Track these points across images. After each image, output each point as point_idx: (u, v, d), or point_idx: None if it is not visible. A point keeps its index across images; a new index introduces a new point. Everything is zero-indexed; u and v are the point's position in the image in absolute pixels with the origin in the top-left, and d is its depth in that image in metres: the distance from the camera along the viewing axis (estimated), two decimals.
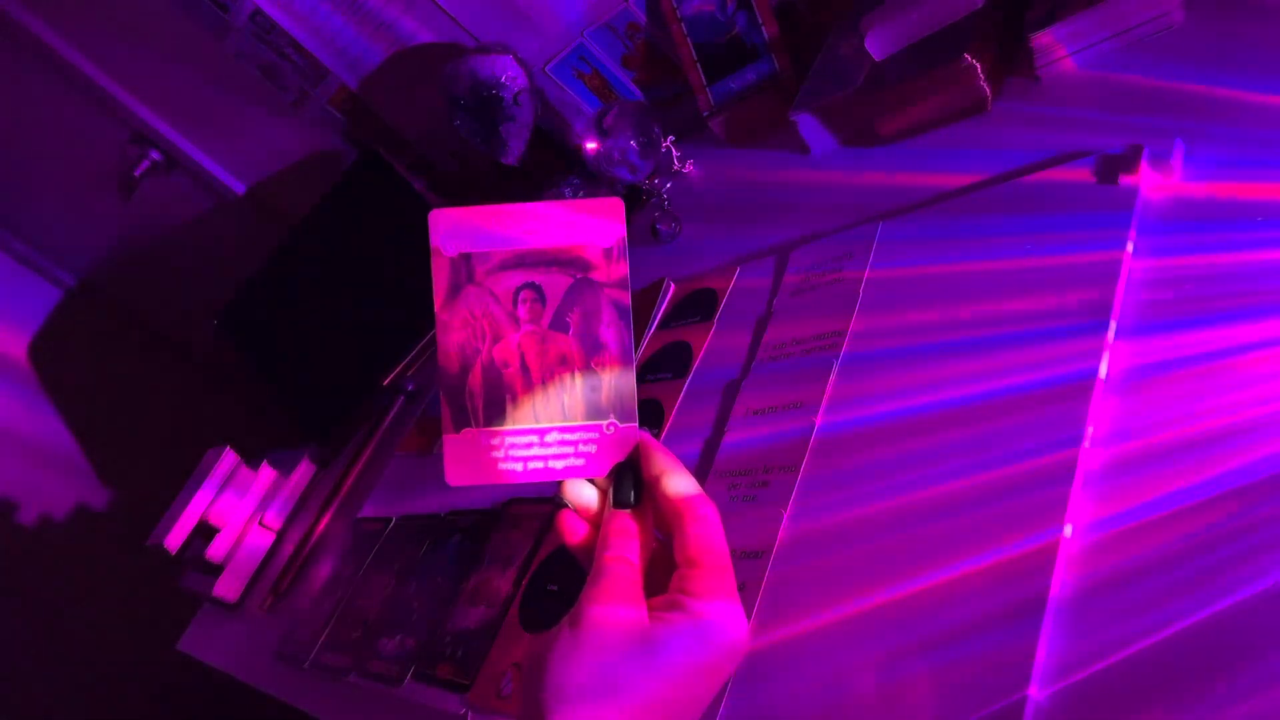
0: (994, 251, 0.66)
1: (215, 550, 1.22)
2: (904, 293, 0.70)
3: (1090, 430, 0.51)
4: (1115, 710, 0.42)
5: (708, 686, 0.45)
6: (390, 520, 1.05)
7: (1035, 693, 0.43)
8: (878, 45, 0.85)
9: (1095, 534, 0.48)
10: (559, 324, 0.48)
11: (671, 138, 1.05)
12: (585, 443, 0.48)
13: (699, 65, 1.05)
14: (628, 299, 0.48)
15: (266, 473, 1.31)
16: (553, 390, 0.48)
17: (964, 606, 0.49)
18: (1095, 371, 0.54)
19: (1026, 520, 0.50)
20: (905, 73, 0.82)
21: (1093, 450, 0.51)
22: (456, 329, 0.49)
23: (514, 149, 1.16)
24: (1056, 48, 0.75)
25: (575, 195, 1.13)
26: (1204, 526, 0.45)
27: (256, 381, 1.49)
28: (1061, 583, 0.47)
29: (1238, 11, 0.68)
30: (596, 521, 0.49)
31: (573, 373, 0.48)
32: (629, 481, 0.48)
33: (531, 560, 0.81)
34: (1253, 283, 0.53)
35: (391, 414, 1.29)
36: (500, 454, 0.48)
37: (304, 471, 1.32)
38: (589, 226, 0.48)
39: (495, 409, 0.49)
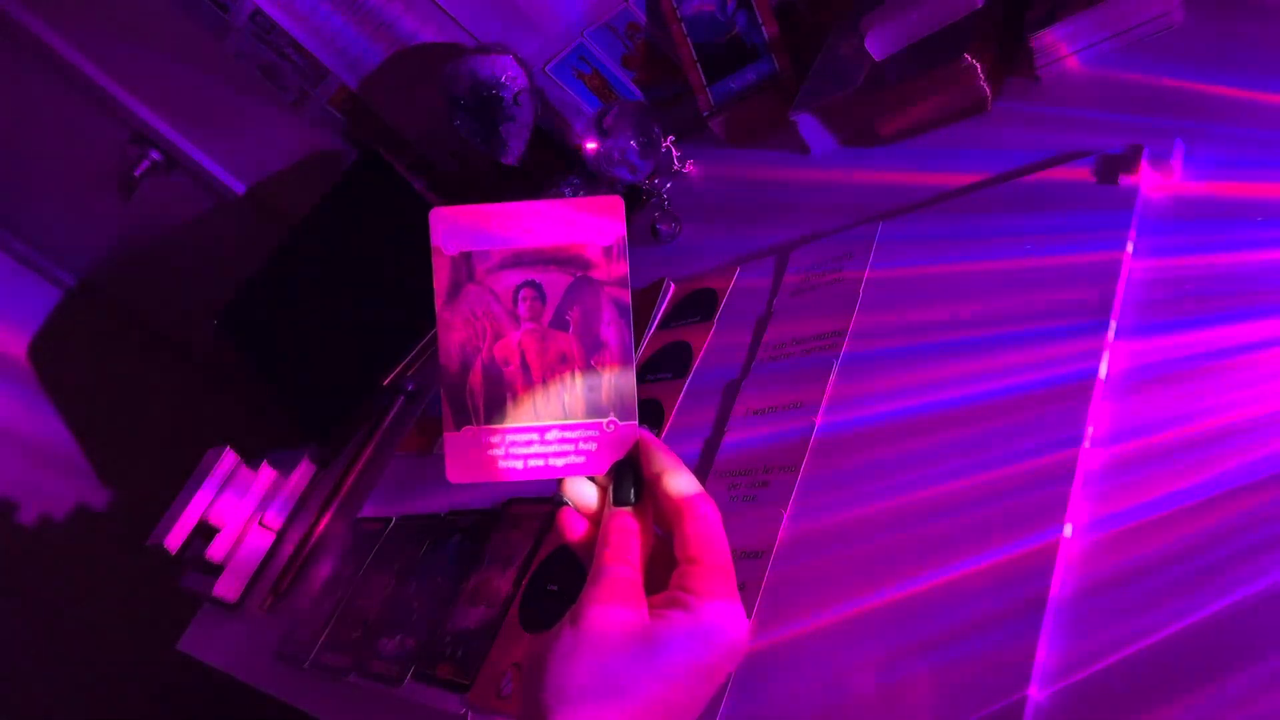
0: (994, 251, 0.66)
1: (215, 550, 1.22)
2: (904, 293, 0.70)
3: (1090, 430, 0.51)
4: (1115, 710, 0.42)
5: (708, 685, 0.45)
6: (390, 520, 1.05)
7: (1035, 693, 0.43)
8: (878, 45, 0.85)
9: (1095, 534, 0.48)
10: (559, 322, 0.48)
11: (671, 138, 1.05)
12: (585, 440, 0.48)
13: (699, 65, 1.05)
14: (628, 297, 0.48)
15: (266, 473, 1.31)
16: (553, 388, 0.48)
17: (964, 606, 0.49)
18: (1095, 371, 0.54)
19: (1026, 520, 0.50)
20: (905, 73, 0.82)
21: (1093, 450, 0.51)
22: (457, 327, 0.49)
23: (514, 149, 1.16)
24: (1056, 48, 0.75)
25: (575, 195, 1.13)
26: (1204, 526, 0.45)
27: (256, 381, 1.49)
28: (1061, 583, 0.47)
29: (1238, 11, 0.68)
30: (597, 519, 0.49)
31: (573, 371, 0.48)
32: (629, 479, 0.48)
33: (531, 560, 0.81)
34: (1253, 283, 0.53)
35: (391, 414, 1.29)
36: (500, 452, 0.49)
37: (304, 471, 1.32)
38: (589, 225, 0.48)
39: (496, 407, 0.49)
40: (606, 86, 1.19)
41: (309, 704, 0.95)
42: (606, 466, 0.49)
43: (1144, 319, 0.55)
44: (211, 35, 1.36)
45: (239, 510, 1.26)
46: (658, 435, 0.79)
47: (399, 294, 1.32)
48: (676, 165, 1.07)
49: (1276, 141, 0.59)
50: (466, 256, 0.49)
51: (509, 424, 0.48)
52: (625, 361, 0.48)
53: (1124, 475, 0.49)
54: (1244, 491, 0.45)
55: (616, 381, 0.48)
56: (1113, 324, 0.55)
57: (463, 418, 0.49)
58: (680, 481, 0.47)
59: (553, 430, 0.48)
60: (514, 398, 0.48)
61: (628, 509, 0.48)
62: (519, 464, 0.48)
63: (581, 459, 0.48)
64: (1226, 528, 0.44)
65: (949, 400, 0.59)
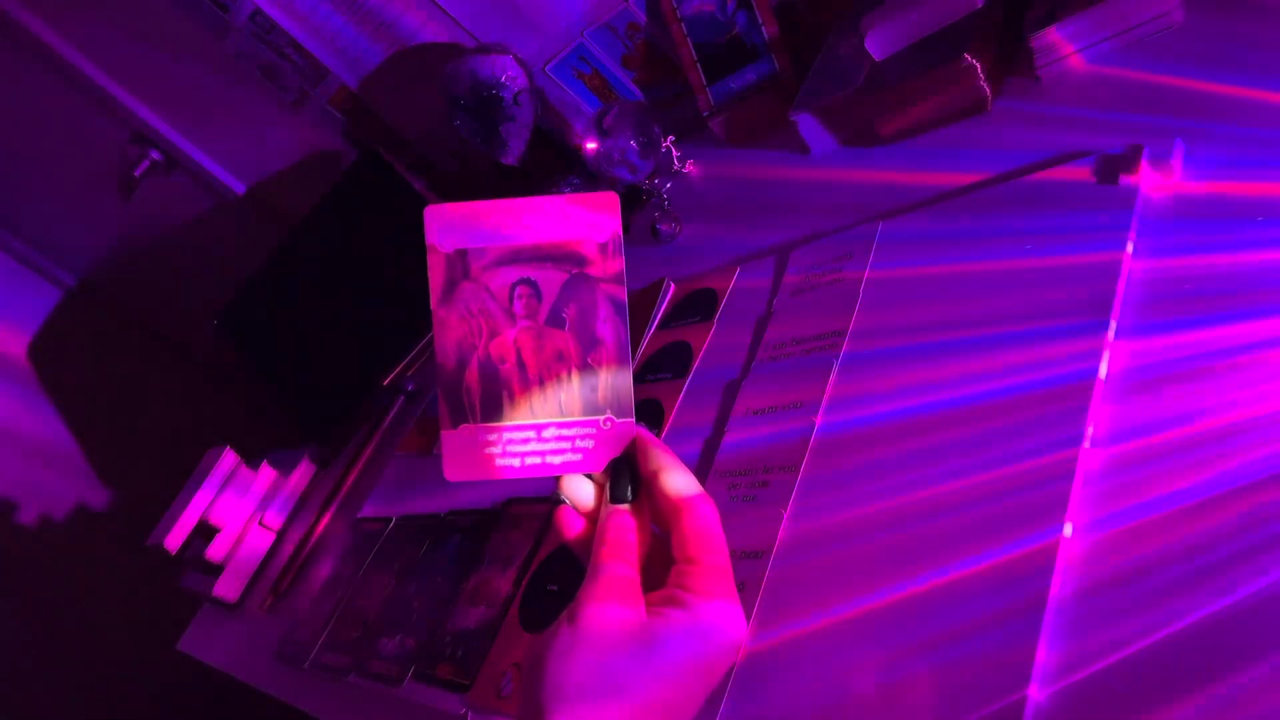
0: (994, 251, 0.66)
1: (215, 550, 1.22)
2: (904, 293, 0.70)
3: (1090, 430, 0.51)
4: (1115, 710, 0.42)
5: (705, 683, 0.45)
6: (390, 520, 1.04)
7: (1035, 693, 0.43)
8: (878, 45, 0.85)
9: (1095, 534, 0.48)
10: (555, 320, 0.48)
11: (671, 138, 1.05)
12: (582, 438, 0.48)
13: (699, 65, 1.05)
14: (624, 294, 0.48)
15: (266, 473, 1.31)
16: (549, 386, 0.48)
17: (964, 606, 0.49)
18: (1095, 371, 0.53)
19: (1026, 520, 0.50)
20: (905, 73, 0.82)
21: (1093, 450, 0.51)
22: (453, 325, 0.49)
23: (514, 149, 1.16)
24: (1056, 48, 0.75)
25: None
26: (1204, 526, 0.45)
27: (256, 381, 1.49)
28: (1061, 583, 0.46)
29: (1238, 11, 0.68)
30: (594, 517, 0.49)
31: (569, 368, 0.48)
32: (626, 477, 0.48)
33: (531, 560, 0.81)
34: (1253, 283, 0.53)
35: (391, 414, 1.29)
36: (498, 450, 0.48)
37: (304, 471, 1.32)
38: (584, 221, 0.48)
39: (492, 405, 0.49)
40: (606, 86, 1.19)
41: (309, 704, 0.95)
42: (603, 464, 0.49)
43: (1144, 319, 0.55)
44: (211, 35, 1.36)
45: (239, 510, 1.26)
46: (657, 435, 0.79)
47: (399, 294, 1.32)
48: (676, 165, 1.07)
49: (1277, 141, 0.58)
50: (462, 254, 0.49)
51: (506, 422, 0.48)
52: (622, 359, 0.48)
53: (1124, 475, 0.49)
54: (1244, 491, 0.45)
55: (613, 379, 0.48)
56: (1113, 324, 0.55)
57: (460, 416, 0.49)
58: (678, 480, 0.47)
59: (550, 428, 0.48)
60: (510, 396, 0.48)
61: (625, 507, 0.48)
62: (516, 462, 0.48)
63: (578, 457, 0.48)
64: (1226, 528, 0.44)
65: (949, 400, 0.59)
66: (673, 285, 0.94)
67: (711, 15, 1.03)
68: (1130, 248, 0.58)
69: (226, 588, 1.21)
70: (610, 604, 0.44)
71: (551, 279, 0.48)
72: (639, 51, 1.14)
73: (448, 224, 0.49)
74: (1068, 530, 0.48)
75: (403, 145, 1.44)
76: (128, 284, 2.06)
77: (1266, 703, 0.38)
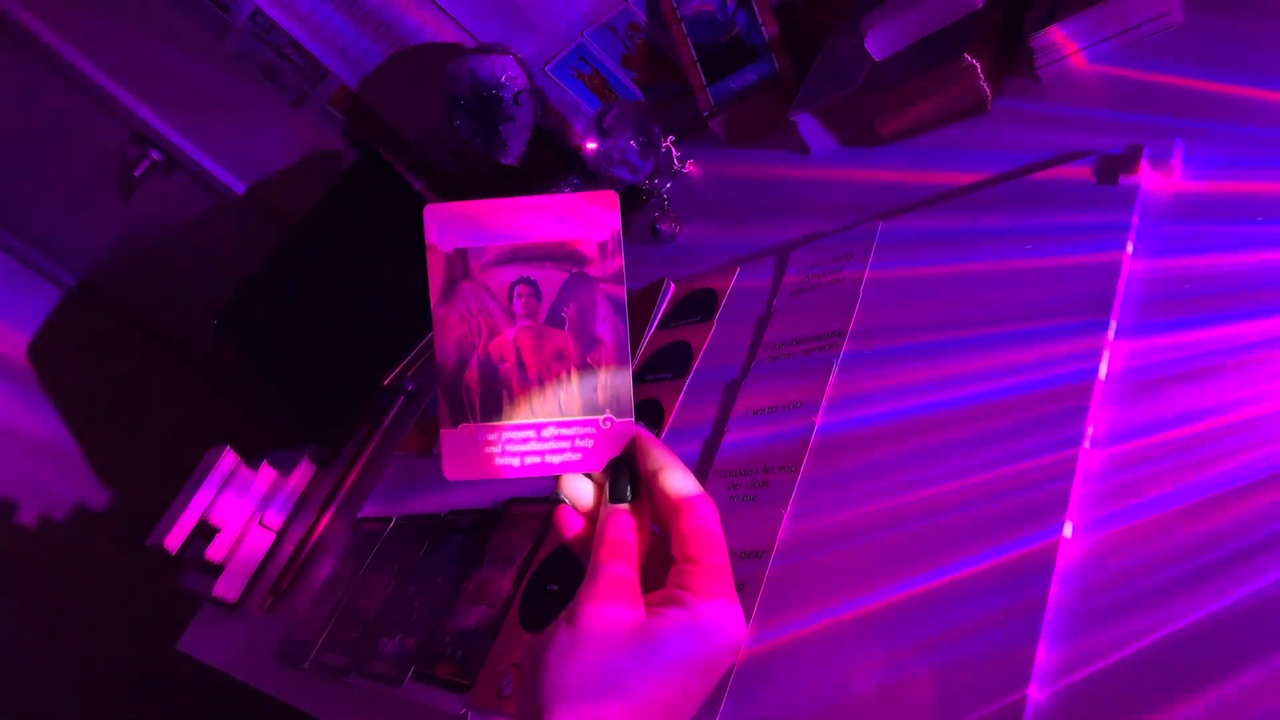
0: (994, 251, 0.66)
1: (215, 550, 1.22)
2: (904, 293, 0.70)
3: (1090, 430, 0.51)
4: (1115, 710, 0.42)
5: (705, 683, 0.45)
6: (390, 520, 1.04)
7: (1035, 693, 0.43)
8: (878, 45, 0.85)
9: (1095, 534, 0.48)
10: (555, 319, 0.48)
11: (671, 138, 1.05)
12: (582, 438, 0.48)
13: (699, 65, 1.05)
14: (623, 293, 0.48)
15: (266, 473, 1.31)
16: (549, 385, 0.48)
17: (964, 606, 0.49)
18: (1095, 371, 0.53)
19: (1026, 520, 0.50)
20: (905, 73, 0.82)
21: (1093, 450, 0.51)
22: (453, 325, 0.49)
23: (514, 149, 1.16)
24: (1056, 47, 0.75)
25: None
26: (1204, 526, 0.45)
27: (256, 381, 1.49)
28: (1061, 583, 0.46)
29: (1238, 11, 0.68)
30: (593, 516, 0.49)
31: (569, 368, 0.48)
32: (625, 476, 0.48)
33: (532, 560, 0.81)
34: (1253, 283, 0.53)
35: (391, 414, 1.29)
36: (497, 449, 0.48)
37: (304, 471, 1.32)
38: (584, 220, 0.48)
39: (492, 404, 0.49)
40: (606, 86, 1.19)
41: (309, 704, 0.95)
42: (603, 464, 0.49)
43: (1144, 319, 0.55)
44: (211, 35, 1.36)
45: (239, 510, 1.26)
46: (658, 435, 0.79)
47: (399, 294, 1.32)
48: (676, 165, 1.07)
49: (1277, 141, 0.58)
50: (461, 253, 0.49)
51: (506, 421, 0.48)
52: (621, 358, 0.48)
53: (1124, 475, 0.49)
54: (1244, 491, 0.45)
55: (612, 379, 0.48)
56: (1113, 324, 0.55)
57: (459, 415, 0.49)
58: (677, 479, 0.47)
59: (549, 427, 0.48)
60: (510, 395, 0.48)
61: (624, 506, 0.48)
62: (516, 461, 0.48)
63: (578, 456, 0.48)
64: (1226, 528, 0.44)
65: (949, 400, 0.59)
66: (673, 285, 0.94)
67: (711, 15, 1.03)
68: (1130, 248, 0.58)
69: (226, 588, 1.21)
70: (609, 604, 0.44)
71: (551, 278, 0.48)
72: (639, 51, 1.14)
73: (447, 223, 0.49)
74: (1068, 530, 0.48)
75: (403, 145, 1.44)
76: (128, 284, 2.06)
77: (1266, 703, 0.38)
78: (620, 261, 0.48)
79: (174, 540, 1.21)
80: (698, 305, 0.88)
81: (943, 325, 0.65)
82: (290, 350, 1.47)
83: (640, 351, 0.90)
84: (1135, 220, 0.60)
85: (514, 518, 0.87)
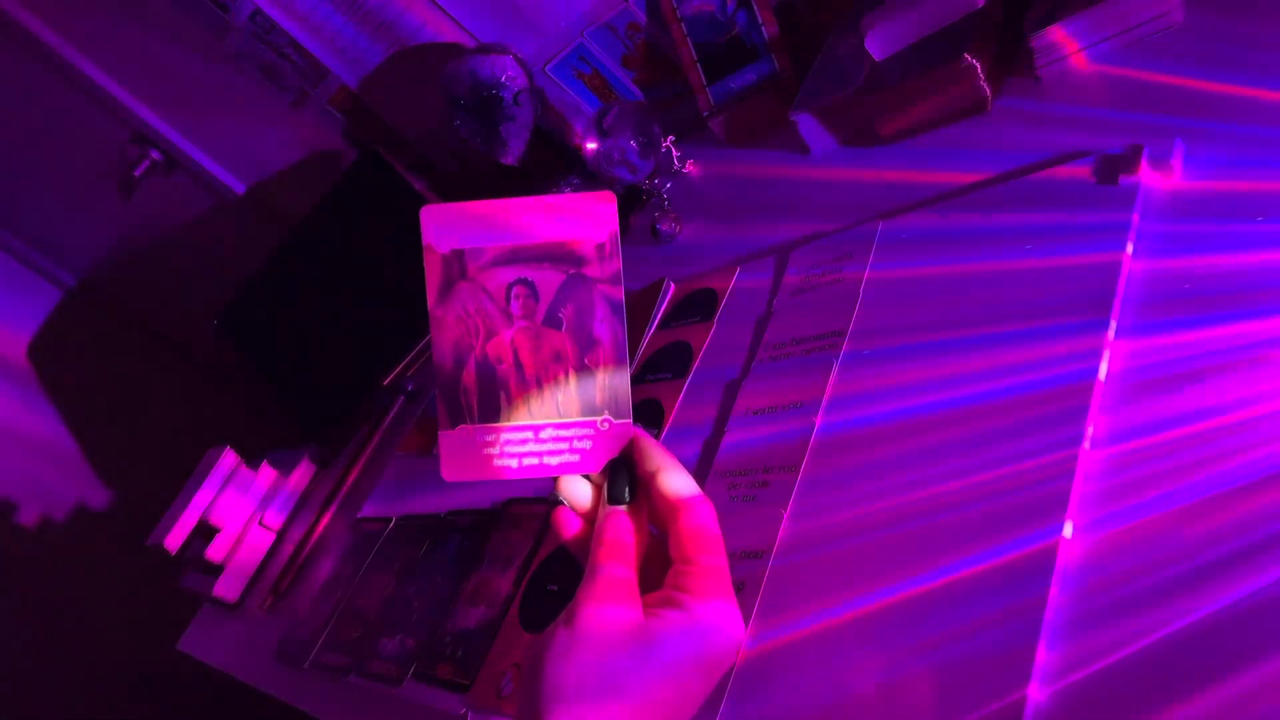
0: (994, 251, 0.66)
1: (215, 550, 1.22)
2: (904, 293, 0.70)
3: (1090, 430, 0.51)
4: (1115, 710, 0.42)
5: (703, 684, 0.45)
6: (390, 520, 1.04)
7: (1035, 693, 0.43)
8: (878, 45, 0.85)
9: (1095, 534, 0.48)
10: (552, 320, 0.48)
11: (671, 138, 1.05)
12: (580, 439, 0.48)
13: (699, 65, 1.05)
14: (621, 294, 0.48)
15: (266, 473, 1.31)
16: (547, 386, 0.48)
17: (964, 606, 0.49)
18: (1095, 371, 0.53)
19: (1026, 520, 0.50)
20: (905, 73, 0.82)
21: (1093, 450, 0.51)
22: (450, 326, 0.49)
23: (514, 149, 1.16)
24: (1056, 47, 0.75)
25: None
26: (1204, 526, 0.45)
27: (256, 381, 1.49)
28: (1061, 582, 0.46)
29: (1238, 11, 0.68)
30: (592, 517, 0.49)
31: (567, 369, 0.48)
32: (623, 477, 0.48)
33: (531, 560, 0.81)
34: (1253, 283, 0.53)
35: (391, 414, 1.29)
36: (495, 450, 0.48)
37: (304, 471, 1.32)
38: (581, 221, 0.48)
39: (490, 405, 0.48)
40: (606, 86, 1.19)
41: (309, 704, 0.95)
42: (601, 465, 0.49)
43: (1144, 319, 0.55)
44: (211, 35, 1.36)
45: (239, 510, 1.26)
46: (657, 435, 0.79)
47: (399, 294, 1.32)
48: (676, 165, 1.07)
49: (1277, 141, 0.58)
50: (458, 254, 0.49)
51: (503, 422, 0.48)
52: (619, 359, 0.48)
53: (1124, 475, 0.49)
54: (1244, 491, 0.45)
55: (610, 380, 0.48)
56: (1113, 324, 0.55)
57: (457, 416, 0.49)
58: (675, 480, 0.47)
59: (547, 429, 0.48)
60: (508, 396, 0.48)
61: (622, 508, 0.48)
62: (514, 462, 0.48)
63: (576, 457, 0.48)
64: (1226, 528, 0.44)
65: (949, 400, 0.59)
66: (673, 285, 0.94)
67: (711, 15, 1.03)
68: (1130, 247, 0.58)
69: (226, 588, 1.21)
70: (608, 605, 0.44)
71: (549, 279, 0.48)
72: (639, 51, 1.14)
73: (444, 224, 0.49)
74: (1068, 530, 0.48)
75: (403, 145, 1.44)
76: (128, 284, 2.06)
77: (1266, 703, 0.38)
78: (618, 263, 0.48)
79: (174, 540, 1.21)
80: (698, 305, 0.88)
81: (943, 325, 0.65)
82: (290, 350, 1.47)
83: (640, 351, 0.90)
84: (1135, 220, 0.60)
85: (513, 518, 0.87)
